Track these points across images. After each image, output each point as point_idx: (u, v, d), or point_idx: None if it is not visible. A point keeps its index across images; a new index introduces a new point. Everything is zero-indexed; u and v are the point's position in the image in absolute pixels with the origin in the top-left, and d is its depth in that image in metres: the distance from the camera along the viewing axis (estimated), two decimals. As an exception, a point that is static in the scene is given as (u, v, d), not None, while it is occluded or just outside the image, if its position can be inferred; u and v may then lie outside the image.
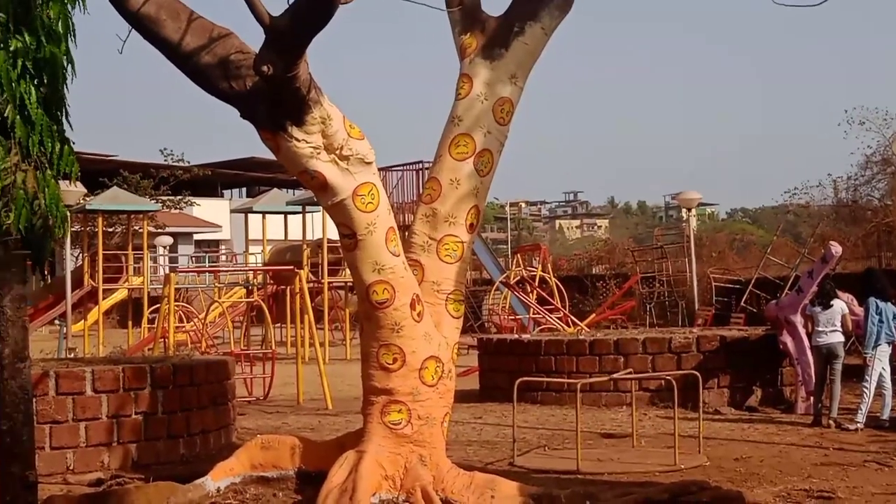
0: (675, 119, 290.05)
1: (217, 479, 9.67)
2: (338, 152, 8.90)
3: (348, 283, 33.23)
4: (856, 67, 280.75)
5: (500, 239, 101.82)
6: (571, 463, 12.24)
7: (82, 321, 37.85)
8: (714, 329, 22.38)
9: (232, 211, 56.44)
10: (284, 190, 51.19)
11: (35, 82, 7.81)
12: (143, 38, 8.65)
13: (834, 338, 15.92)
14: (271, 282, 33.08)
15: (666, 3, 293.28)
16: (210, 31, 8.63)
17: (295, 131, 8.68)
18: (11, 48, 7.65)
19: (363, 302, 9.37)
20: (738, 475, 11.83)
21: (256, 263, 41.23)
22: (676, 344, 18.32)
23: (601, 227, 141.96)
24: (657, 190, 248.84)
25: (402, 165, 35.43)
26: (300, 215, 36.52)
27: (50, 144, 7.77)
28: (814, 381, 16.44)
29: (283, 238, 41.25)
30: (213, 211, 68.10)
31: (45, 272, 8.84)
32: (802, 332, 17.10)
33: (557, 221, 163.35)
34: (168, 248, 53.13)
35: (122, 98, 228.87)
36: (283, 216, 40.16)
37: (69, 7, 8.04)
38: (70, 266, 32.48)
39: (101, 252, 37.12)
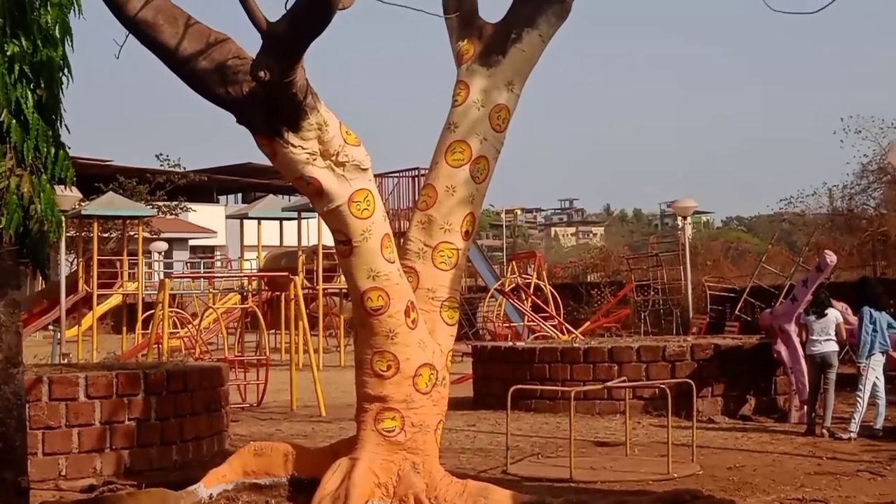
0: (672, 125, 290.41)
1: (209, 486, 9.65)
2: (334, 158, 8.90)
3: (343, 290, 33.20)
4: (853, 74, 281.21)
5: (495, 246, 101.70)
6: (565, 471, 12.23)
7: (76, 327, 37.79)
8: (708, 337, 22.38)
9: (227, 217, 56.43)
10: (280, 196, 51.18)
11: (31, 87, 7.81)
12: (140, 43, 8.64)
13: (828, 347, 15.94)
14: (266, 288, 33.05)
15: (664, 9, 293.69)
16: (207, 37, 8.63)
17: (291, 137, 8.68)
18: (8, 52, 7.65)
19: (358, 308, 9.37)
20: (731, 484, 11.82)
21: (251, 269, 41.19)
22: (670, 352, 18.32)
23: (596, 234, 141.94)
24: (653, 195, 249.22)
25: (399, 172, 35.48)
26: (295, 221, 36.49)
27: (45, 149, 7.77)
28: (807, 390, 16.46)
29: (278, 244, 41.23)
30: (208, 217, 68.07)
31: (48, 273, 8.82)
32: (797, 340, 17.11)
33: (553, 229, 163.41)
34: (163, 253, 53.11)
35: (119, 103, 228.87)
36: (278, 222, 40.13)
37: (66, 11, 8.04)
38: (65, 271, 32.44)
39: (95, 257, 37.06)
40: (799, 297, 17.25)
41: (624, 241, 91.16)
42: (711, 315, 32.99)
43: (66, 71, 7.91)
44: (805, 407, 16.56)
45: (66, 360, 24.15)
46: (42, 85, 7.79)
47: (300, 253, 35.21)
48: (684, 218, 36.00)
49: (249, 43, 8.53)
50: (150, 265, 49.22)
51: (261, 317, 24.36)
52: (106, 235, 46.87)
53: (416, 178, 33.67)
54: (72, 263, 44.72)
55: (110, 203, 39.16)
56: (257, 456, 9.91)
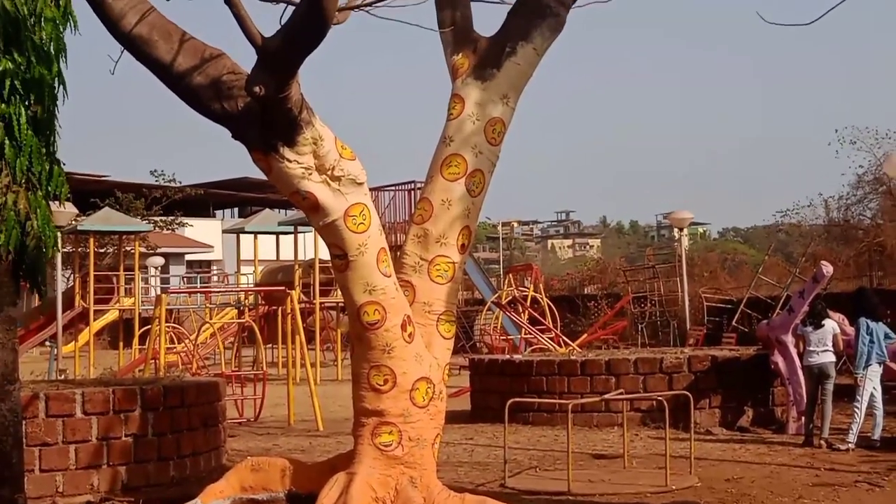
0: (669, 135, 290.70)
1: (207, 502, 9.63)
2: (329, 173, 8.90)
3: (340, 304, 33.20)
4: (848, 85, 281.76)
5: (491, 259, 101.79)
6: (563, 484, 12.22)
7: (73, 342, 37.75)
8: (705, 349, 22.39)
9: (224, 231, 56.43)
10: (276, 210, 51.21)
11: (26, 103, 7.81)
12: (135, 59, 8.65)
13: (825, 358, 15.94)
14: (263, 302, 33.04)
15: (661, 24, 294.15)
16: (202, 52, 8.63)
17: (286, 152, 8.67)
18: (1, 68, 7.65)
19: (354, 323, 9.36)
20: (729, 496, 11.82)
21: (248, 284, 41.18)
22: (668, 364, 18.32)
23: (593, 246, 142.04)
24: (649, 206, 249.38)
25: (394, 185, 35.47)
26: (292, 235, 36.51)
27: (39, 166, 7.77)
28: (805, 401, 16.45)
29: (274, 258, 41.23)
30: (204, 231, 68.07)
31: (44, 290, 8.83)
32: (794, 352, 17.11)
33: (549, 241, 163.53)
34: (160, 268, 53.07)
35: (116, 118, 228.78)
36: (274, 236, 40.15)
37: (61, 28, 8.05)
38: (61, 287, 32.39)
39: (92, 273, 37.07)
40: (795, 308, 17.25)
41: (620, 252, 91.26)
42: (708, 326, 33.00)
43: (61, 88, 7.92)
44: (802, 418, 16.56)
45: (62, 376, 24.14)
46: (36, 101, 7.80)
47: (297, 267, 35.20)
48: (681, 229, 36.01)
49: (244, 58, 8.55)
50: (146, 280, 49.11)
51: (258, 331, 24.34)
52: (102, 251, 46.90)
53: (413, 192, 33.68)
54: (68, 279, 44.69)
55: (107, 218, 39.18)
56: (254, 471, 9.88)
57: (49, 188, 7.88)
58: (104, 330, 44.68)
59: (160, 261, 52.63)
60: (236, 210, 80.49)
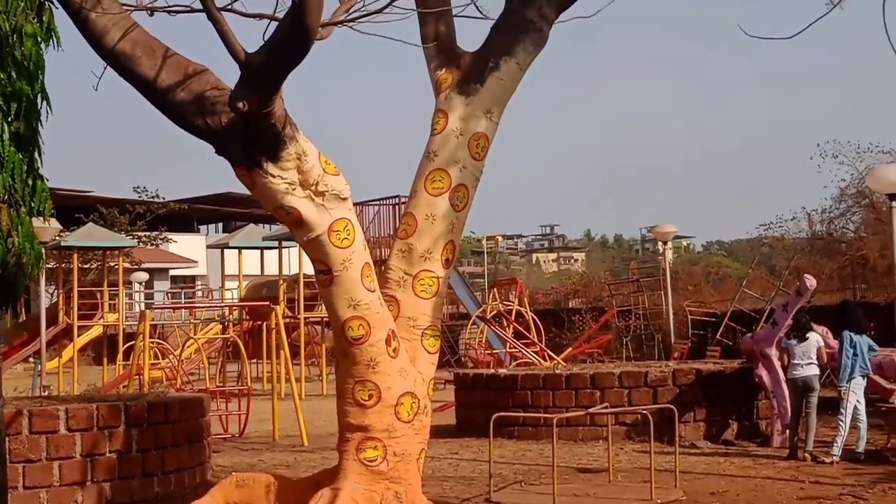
0: (653, 149, 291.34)
1: (192, 518, 9.61)
2: (313, 188, 8.89)
3: (324, 319, 33.14)
4: (831, 99, 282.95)
5: (476, 273, 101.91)
6: (548, 498, 12.22)
7: (57, 358, 37.62)
8: (690, 362, 22.43)
9: (208, 246, 56.28)
10: (260, 225, 51.21)
11: (8, 119, 7.80)
12: (118, 75, 8.64)
13: (809, 371, 15.99)
14: (247, 317, 32.97)
15: (645, 37, 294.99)
16: (185, 68, 8.63)
17: (270, 167, 8.67)
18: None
19: (338, 338, 9.35)
20: (714, 509, 11.83)
21: (232, 299, 41.11)
22: (652, 378, 18.36)
23: (578, 260, 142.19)
24: (633, 220, 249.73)
25: (379, 200, 35.47)
26: (276, 250, 36.47)
27: (21, 182, 7.75)
28: (789, 414, 16.49)
29: (259, 273, 41.17)
30: (189, 246, 67.95)
31: (18, 311, 8.81)
32: (778, 365, 17.16)
33: (534, 255, 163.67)
34: (144, 284, 52.93)
35: (99, 134, 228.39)
36: (259, 251, 40.10)
37: (43, 44, 8.05)
38: (45, 303, 32.30)
39: (76, 289, 36.96)
40: (779, 322, 17.31)
41: (605, 266, 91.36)
42: (693, 340, 33.05)
43: (44, 104, 7.91)
44: (787, 431, 16.59)
45: (46, 393, 24.09)
46: (18, 117, 7.78)
47: (281, 282, 35.17)
48: (665, 243, 36.09)
49: (228, 74, 8.55)
50: (130, 296, 49.07)
51: (242, 346, 24.30)
52: (86, 266, 46.74)
53: (397, 206, 33.68)
54: (52, 295, 44.55)
55: (90, 234, 39.06)
56: (239, 487, 9.85)
57: (32, 204, 7.86)
58: (88, 346, 44.50)
59: (144, 276, 52.49)
60: (220, 225, 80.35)
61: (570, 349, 32.76)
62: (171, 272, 69.22)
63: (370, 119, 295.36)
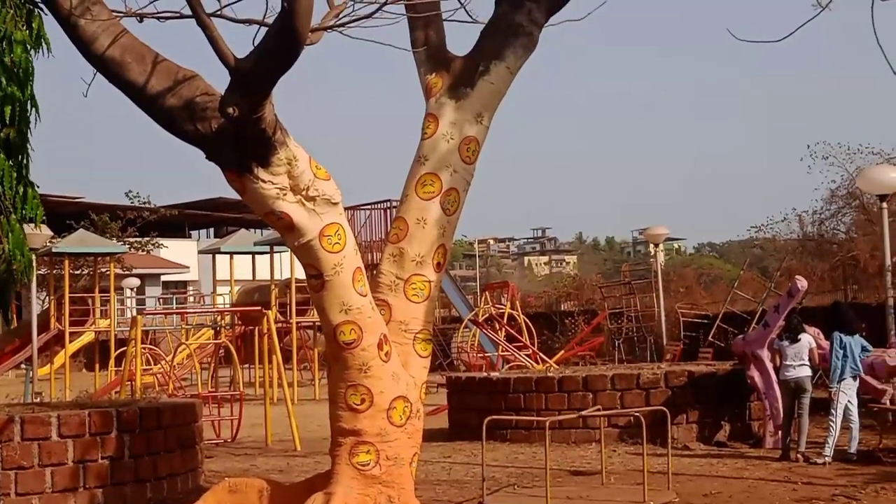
0: (643, 151, 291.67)
1: (185, 523, 9.60)
2: (304, 193, 8.90)
3: (316, 323, 33.12)
4: (818, 102, 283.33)
5: (468, 276, 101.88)
6: (541, 501, 12.21)
7: (49, 365, 37.56)
8: (682, 364, 22.46)
9: (199, 252, 56.28)
10: (252, 230, 51.11)
11: (-1, 126, 7.80)
12: (108, 82, 8.64)
13: (802, 372, 16.01)
14: (239, 322, 32.94)
15: (636, 39, 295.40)
16: (175, 74, 8.62)
17: (261, 172, 8.67)
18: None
19: (330, 342, 9.35)
20: (707, 511, 11.85)
21: (224, 304, 41.08)
22: (645, 380, 18.36)
23: (569, 263, 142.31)
24: (625, 222, 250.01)
25: (370, 204, 35.48)
26: (268, 255, 36.44)
27: (11, 189, 7.75)
28: (782, 415, 16.51)
29: (251, 278, 41.13)
30: (180, 252, 67.90)
31: (10, 317, 8.81)
32: (770, 366, 17.18)
33: (526, 258, 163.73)
34: (135, 289, 52.91)
35: (90, 140, 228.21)
36: (250, 256, 40.05)
37: (32, 51, 8.04)
38: (36, 309, 32.24)
39: (67, 295, 36.90)
40: (771, 323, 17.33)
41: (597, 269, 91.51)
42: (685, 342, 33.07)
43: (34, 110, 7.91)
44: (779, 432, 16.61)
45: (38, 399, 24.02)
46: (8, 124, 7.78)
47: (273, 287, 35.13)
48: (656, 245, 36.18)
49: (218, 79, 8.56)
50: (122, 302, 48.99)
51: (234, 352, 24.28)
52: (77, 273, 46.66)
53: (388, 211, 33.70)
54: (43, 301, 44.49)
55: (81, 240, 39.02)
56: (232, 492, 9.85)
57: (23, 211, 7.86)
58: (80, 352, 44.49)
59: (136, 282, 52.50)
60: (212, 230, 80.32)
61: (562, 352, 32.75)
62: (163, 278, 69.14)
63: (361, 124, 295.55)
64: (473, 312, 35.84)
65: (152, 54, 8.57)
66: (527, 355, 28.63)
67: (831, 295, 32.18)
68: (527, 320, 35.85)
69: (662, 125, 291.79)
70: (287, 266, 34.42)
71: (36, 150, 8.92)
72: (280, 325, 31.99)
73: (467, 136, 9.94)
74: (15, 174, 7.79)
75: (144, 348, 28.84)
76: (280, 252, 36.06)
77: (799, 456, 15.61)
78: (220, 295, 43.13)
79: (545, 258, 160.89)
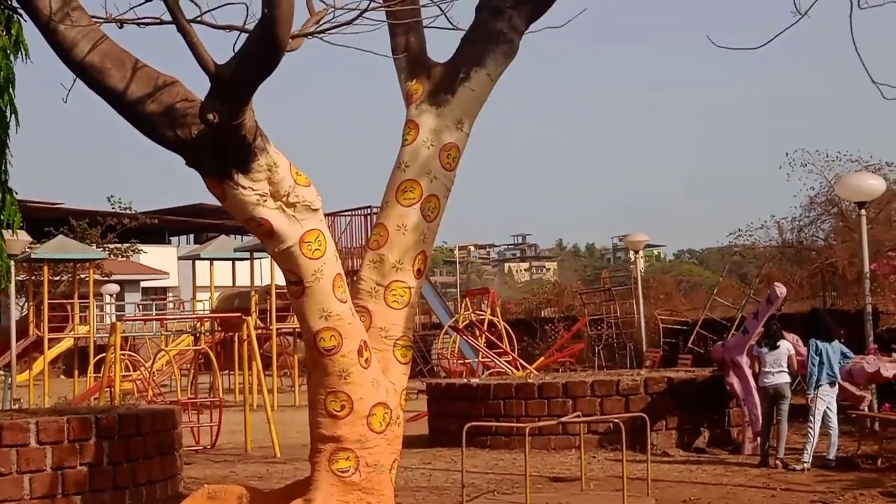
0: (622, 158, 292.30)
1: (164, 530, 9.58)
2: (284, 199, 8.89)
3: (296, 330, 33.07)
4: (795, 110, 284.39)
5: (448, 283, 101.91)
6: (521, 507, 12.23)
7: (28, 371, 37.39)
8: (661, 371, 22.51)
9: (179, 258, 56.08)
10: (232, 236, 50.98)
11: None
12: (88, 87, 8.62)
13: (781, 378, 16.07)
14: (219, 329, 32.88)
15: (616, 47, 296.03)
16: (155, 80, 8.61)
17: (241, 179, 8.66)
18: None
19: (310, 349, 9.34)
20: (687, 517, 11.87)
21: (204, 310, 40.96)
22: (624, 386, 18.40)
23: (550, 269, 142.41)
24: (605, 229, 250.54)
25: (351, 211, 35.47)
26: (248, 262, 36.36)
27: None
28: (760, 421, 16.56)
29: (230, 284, 41.03)
30: (160, 258, 67.71)
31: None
32: (749, 373, 17.23)
33: (506, 264, 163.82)
34: (115, 296, 52.69)
35: (70, 145, 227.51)
36: (230, 262, 39.95)
37: (11, 56, 8.02)
38: (15, 315, 32.11)
39: (46, 301, 36.75)
40: (750, 330, 17.39)
41: (577, 275, 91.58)
42: (664, 348, 33.12)
43: (13, 117, 7.89)
44: (758, 438, 16.67)
45: (17, 406, 23.92)
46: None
47: (253, 293, 35.07)
48: (636, 252, 36.22)
49: (198, 86, 8.55)
50: (101, 308, 48.83)
51: (214, 358, 24.23)
52: (57, 279, 46.52)
53: (369, 217, 33.68)
54: (22, 307, 44.32)
55: (61, 246, 38.87)
56: (211, 499, 9.82)
57: (1, 217, 7.83)
58: (59, 358, 44.28)
59: (115, 288, 52.26)
60: (192, 236, 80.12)
61: (542, 358, 32.79)
62: (143, 284, 68.95)
63: (341, 130, 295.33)
64: (454, 319, 35.84)
65: (132, 60, 8.56)
66: (507, 362, 28.65)
67: (810, 302, 32.31)
68: (507, 327, 35.88)
69: (645, 131, 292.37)
70: (267, 272, 34.37)
71: (15, 156, 8.92)
72: (260, 331, 31.91)
73: (447, 142, 9.95)
74: (-6, 179, 7.77)
75: (124, 354, 28.71)
76: (260, 258, 35.97)
77: (778, 462, 15.66)
78: (200, 301, 42.95)
79: (525, 265, 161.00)
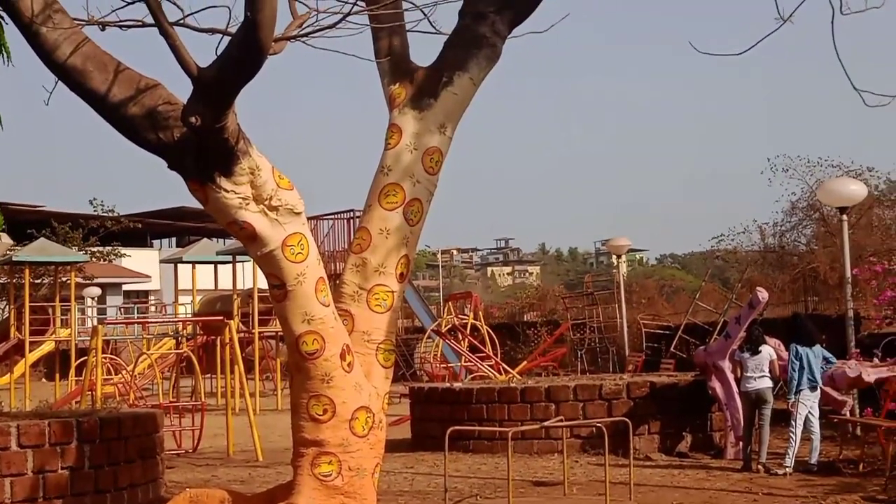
0: (605, 163, 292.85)
1: (145, 535, 9.55)
2: (267, 203, 8.87)
3: (279, 333, 33.06)
4: (778, 114, 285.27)
5: (431, 286, 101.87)
6: (503, 512, 12.23)
7: (8, 374, 37.25)
8: (644, 375, 22.55)
9: (161, 261, 55.94)
10: (214, 239, 50.95)
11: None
12: (70, 90, 8.59)
13: (762, 383, 16.10)
14: (201, 332, 32.81)
15: (600, 50, 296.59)
16: (137, 83, 8.59)
17: (223, 182, 8.64)
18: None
19: (293, 353, 9.32)
20: (669, 522, 11.88)
21: (186, 314, 40.87)
22: (607, 391, 18.42)
23: (532, 273, 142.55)
24: (588, 233, 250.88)
25: (333, 214, 35.43)
26: (230, 265, 36.32)
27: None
28: (743, 426, 16.59)
29: (213, 288, 40.97)
30: (142, 261, 67.54)
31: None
32: (731, 377, 17.27)
33: (489, 269, 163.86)
34: (96, 299, 52.54)
35: (52, 148, 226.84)
36: (213, 266, 39.89)
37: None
38: (-4, 318, 32.02)
39: (27, 304, 36.61)
40: (732, 334, 17.43)
41: (559, 279, 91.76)
42: (647, 353, 33.18)
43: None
44: (741, 443, 16.70)
45: (-3, 409, 23.80)
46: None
47: (235, 296, 35.02)
48: (619, 256, 36.30)
49: (180, 88, 8.52)
50: (83, 311, 48.67)
51: (196, 361, 24.16)
52: (38, 282, 46.31)
53: (352, 220, 33.66)
54: (3, 310, 44.15)
55: (42, 249, 38.73)
56: (193, 503, 9.80)
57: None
58: (40, 361, 44.13)
59: (97, 291, 52.11)
60: (174, 240, 79.94)
61: (525, 362, 32.80)
62: (125, 287, 68.76)
63: (324, 133, 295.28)
64: (436, 323, 35.85)
65: (114, 63, 8.54)
66: (490, 366, 28.62)
67: (792, 306, 32.38)
68: (490, 331, 35.89)
69: (630, 136, 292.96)
70: (250, 276, 34.33)
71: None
72: (242, 334, 31.88)
73: (430, 146, 9.94)
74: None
75: (105, 358, 28.66)
76: (242, 262, 35.94)
77: (760, 467, 15.69)
78: (182, 304, 42.86)
79: (508, 269, 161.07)
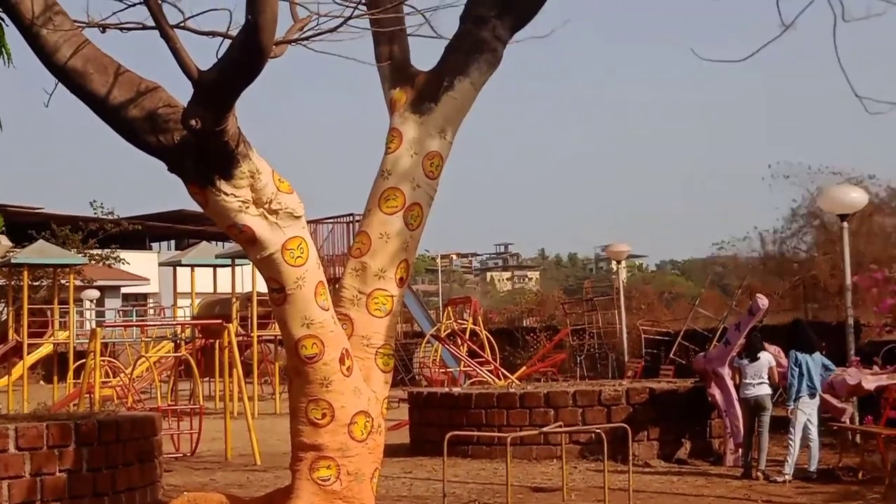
0: (605, 169, 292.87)
1: (142, 538, 9.53)
2: (266, 206, 8.86)
3: (278, 337, 33.03)
4: (779, 117, 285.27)
5: (431, 291, 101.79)
6: (502, 518, 12.21)
7: (6, 376, 37.21)
8: (643, 381, 22.52)
9: (160, 264, 55.92)
10: (213, 243, 50.85)
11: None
12: (70, 92, 8.58)
13: (761, 390, 16.08)
14: (200, 335, 32.78)
15: (598, 55, 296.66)
16: (138, 85, 8.58)
17: (223, 185, 8.62)
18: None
19: (292, 357, 9.30)
20: (667, 528, 11.86)
21: (185, 317, 40.84)
22: (606, 396, 18.40)
23: (532, 279, 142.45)
24: (588, 239, 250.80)
25: (333, 218, 35.43)
26: (229, 268, 36.30)
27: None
28: (742, 433, 16.57)
29: (212, 291, 40.95)
30: (141, 264, 67.50)
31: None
32: (730, 384, 17.25)
33: (488, 273, 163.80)
34: (95, 301, 52.51)
35: (52, 150, 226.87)
36: (212, 269, 39.87)
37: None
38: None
39: (26, 306, 36.60)
40: (732, 341, 17.41)
41: (559, 285, 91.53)
42: (646, 359, 33.16)
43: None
44: (740, 450, 16.68)
45: (-5, 412, 23.80)
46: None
47: (234, 300, 35.00)
48: (618, 262, 36.28)
49: (180, 91, 8.51)
50: (81, 314, 48.61)
51: (194, 365, 24.15)
52: (37, 284, 46.30)
53: (351, 224, 33.66)
54: (1, 312, 44.12)
55: (41, 251, 38.72)
56: (191, 507, 9.78)
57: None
58: (38, 364, 44.08)
59: (95, 294, 52.10)
60: (173, 243, 79.96)
61: (524, 368, 32.74)
62: (123, 290, 68.73)
63: (325, 137, 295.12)
64: (435, 327, 35.82)
65: (115, 65, 8.52)
66: (489, 371, 28.59)
67: (792, 313, 32.33)
68: (489, 336, 35.88)
69: (630, 142, 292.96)
70: (248, 279, 34.35)
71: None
72: (241, 338, 31.86)
73: (431, 151, 9.94)
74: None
75: (103, 361, 28.65)
76: (241, 265, 35.94)
77: (759, 474, 15.67)
78: (181, 308, 42.82)
79: (508, 274, 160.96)
